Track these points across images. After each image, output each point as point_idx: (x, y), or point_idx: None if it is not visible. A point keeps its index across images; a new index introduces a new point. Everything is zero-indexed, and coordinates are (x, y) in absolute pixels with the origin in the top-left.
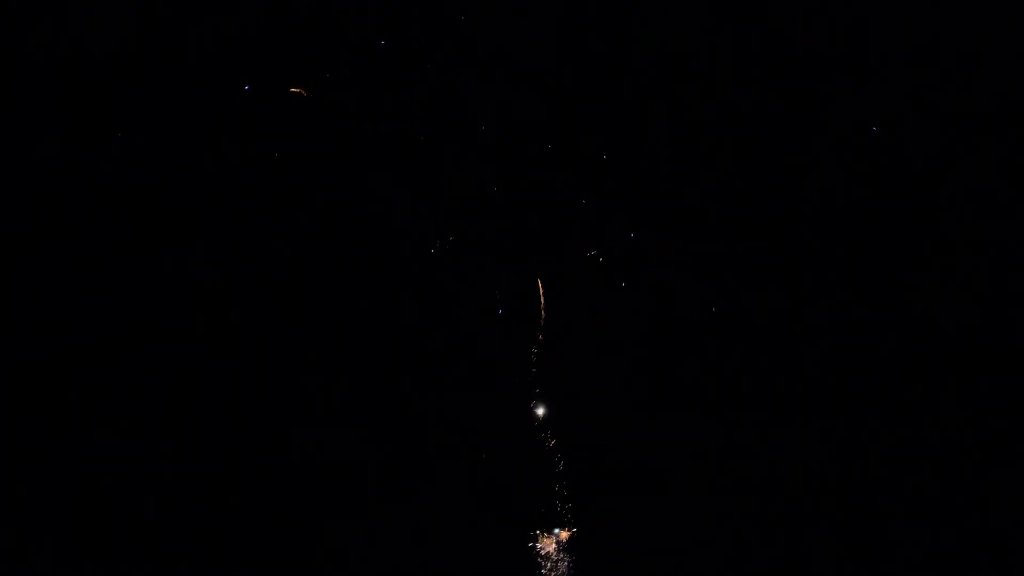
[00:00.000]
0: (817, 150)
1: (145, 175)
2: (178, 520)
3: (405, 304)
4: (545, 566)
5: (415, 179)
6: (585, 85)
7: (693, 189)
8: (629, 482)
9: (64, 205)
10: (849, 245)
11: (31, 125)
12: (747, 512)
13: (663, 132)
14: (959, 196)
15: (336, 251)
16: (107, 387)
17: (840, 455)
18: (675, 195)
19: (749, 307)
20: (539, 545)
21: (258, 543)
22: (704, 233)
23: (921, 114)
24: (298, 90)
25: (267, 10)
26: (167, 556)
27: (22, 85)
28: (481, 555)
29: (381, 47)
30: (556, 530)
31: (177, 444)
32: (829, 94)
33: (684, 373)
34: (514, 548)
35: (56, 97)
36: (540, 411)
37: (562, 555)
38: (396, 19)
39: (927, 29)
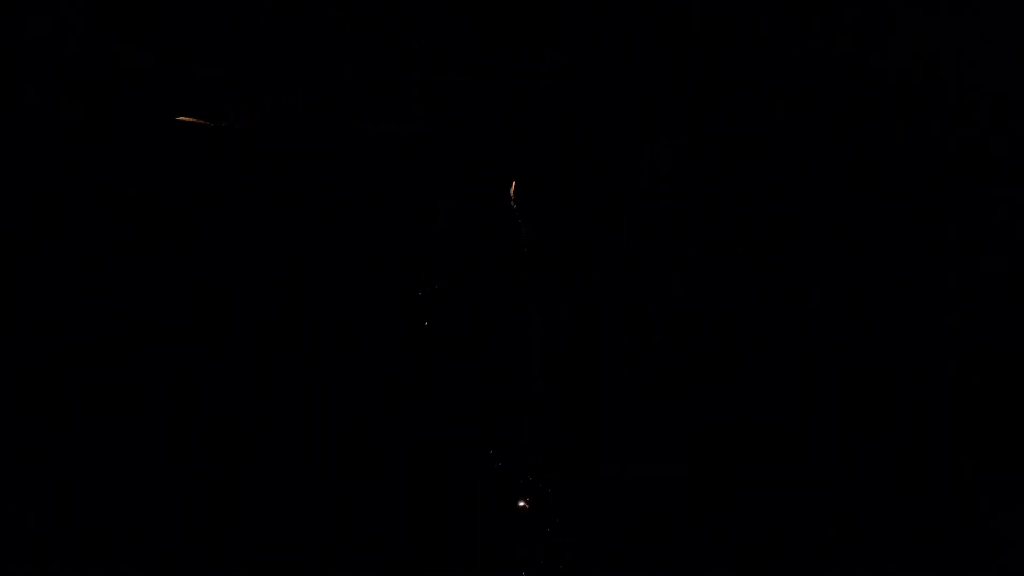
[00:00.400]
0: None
1: (145, 175)
2: (178, 520)
3: (405, 305)
4: None
5: (415, 179)
6: (585, 85)
7: (693, 189)
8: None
9: (64, 205)
10: (849, 245)
11: (31, 125)
12: (744, 515)
13: (664, 132)
14: (959, 196)
15: (336, 251)
16: (107, 387)
17: (838, 456)
18: (675, 195)
19: (747, 308)
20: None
21: (258, 543)
22: (703, 233)
23: (921, 114)
24: (190, 119)
25: (267, 9)
26: (167, 556)
27: (22, 85)
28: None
29: (381, 47)
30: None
31: (177, 444)
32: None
33: (681, 374)
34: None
35: (56, 97)
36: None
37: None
38: (396, 19)
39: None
